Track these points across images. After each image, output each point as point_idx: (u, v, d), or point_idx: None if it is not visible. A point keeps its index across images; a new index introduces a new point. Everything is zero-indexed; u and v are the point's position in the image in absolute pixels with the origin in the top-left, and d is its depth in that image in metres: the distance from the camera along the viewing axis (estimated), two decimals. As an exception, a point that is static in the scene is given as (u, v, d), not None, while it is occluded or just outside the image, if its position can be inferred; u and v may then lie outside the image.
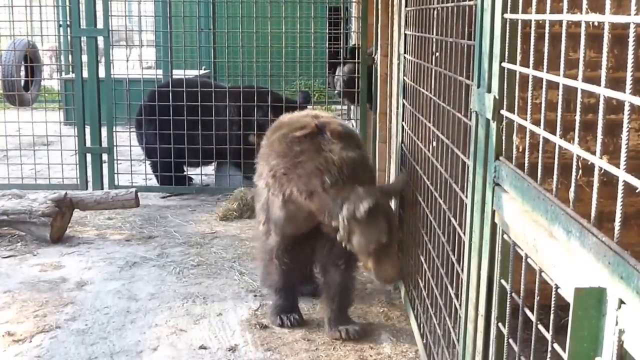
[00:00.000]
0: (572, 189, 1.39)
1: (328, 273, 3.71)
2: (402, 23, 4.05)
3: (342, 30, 7.94)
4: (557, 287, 1.42)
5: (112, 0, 6.81)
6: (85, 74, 6.48)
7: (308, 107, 6.53)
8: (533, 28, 1.63)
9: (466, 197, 2.34)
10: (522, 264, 1.64)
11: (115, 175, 6.44)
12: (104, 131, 6.45)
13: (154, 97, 6.50)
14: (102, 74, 6.53)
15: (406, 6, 3.92)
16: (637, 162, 1.37)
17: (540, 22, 1.59)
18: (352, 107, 8.63)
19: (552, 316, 1.44)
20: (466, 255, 2.31)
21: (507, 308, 1.80)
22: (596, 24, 1.28)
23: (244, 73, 6.67)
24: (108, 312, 3.92)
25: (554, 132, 1.49)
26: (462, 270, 2.42)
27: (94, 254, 4.91)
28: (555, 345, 1.43)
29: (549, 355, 1.46)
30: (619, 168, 1.16)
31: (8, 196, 5.25)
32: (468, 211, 2.29)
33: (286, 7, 6.52)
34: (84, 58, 6.60)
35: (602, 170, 1.23)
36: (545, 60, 1.52)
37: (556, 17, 1.46)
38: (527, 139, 1.66)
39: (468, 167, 2.31)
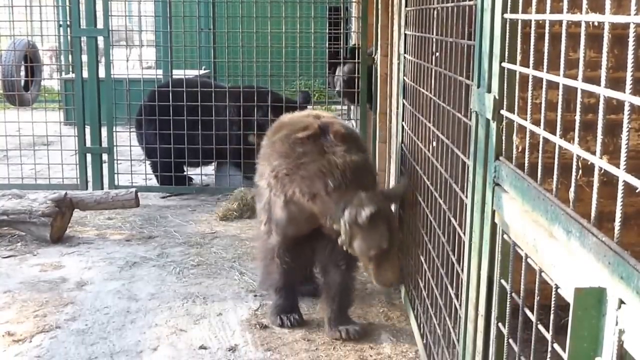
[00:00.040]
0: (572, 189, 1.39)
1: (328, 273, 3.71)
2: (402, 23, 4.05)
3: (342, 30, 7.94)
4: (557, 287, 1.42)
5: (112, 0, 6.81)
6: (85, 74, 6.48)
7: (308, 107, 6.53)
8: (533, 28, 1.62)
9: (466, 197, 2.34)
10: (522, 264, 1.64)
11: (115, 175, 6.44)
12: (104, 131, 6.44)
13: (154, 97, 6.50)
14: (102, 74, 6.52)
15: (406, 6, 3.92)
16: (637, 162, 1.37)
17: (540, 22, 1.59)
18: (352, 107, 8.63)
19: (552, 316, 1.44)
20: (466, 255, 2.31)
21: (507, 308, 1.80)
22: (596, 24, 1.28)
23: (244, 73, 6.67)
24: (108, 312, 3.92)
25: (554, 132, 1.49)
26: (462, 270, 2.42)
27: (94, 254, 4.91)
28: (555, 345, 1.43)
29: (549, 356, 1.46)
30: (619, 168, 1.16)
31: (8, 196, 5.25)
32: (468, 211, 2.29)
33: (286, 7, 6.52)
34: (84, 58, 6.60)
35: (602, 170, 1.23)
36: (545, 60, 1.52)
37: (556, 17, 1.46)
38: (527, 139, 1.66)
39: (468, 167, 2.31)
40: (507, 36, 1.84)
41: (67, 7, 7.74)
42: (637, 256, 1.13)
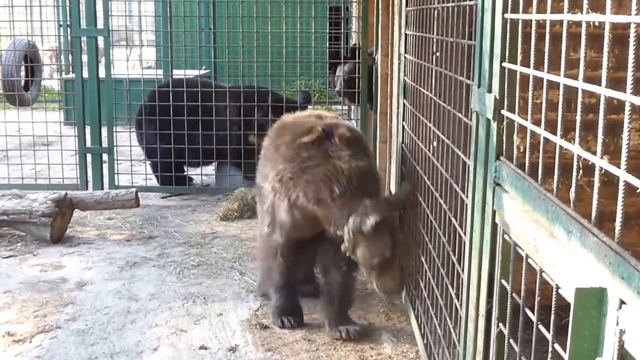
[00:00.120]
0: (572, 189, 1.39)
1: (329, 273, 3.71)
2: (403, 23, 4.05)
3: (342, 30, 7.93)
4: (557, 287, 1.42)
5: (112, 0, 6.81)
6: (85, 74, 6.48)
7: (308, 107, 6.53)
8: (534, 28, 1.62)
9: (467, 197, 2.34)
10: (522, 264, 1.64)
11: (116, 176, 6.44)
12: (104, 131, 6.44)
13: (154, 97, 6.50)
14: (102, 74, 6.52)
15: (407, 6, 3.92)
16: (637, 162, 1.37)
17: (541, 22, 1.58)
18: (352, 107, 8.63)
19: (552, 316, 1.44)
20: (467, 256, 2.31)
21: (508, 308, 1.80)
22: (597, 23, 1.28)
23: (244, 73, 6.67)
24: (108, 312, 3.92)
25: (554, 132, 1.49)
26: (463, 270, 2.42)
27: (94, 254, 4.91)
28: (556, 346, 1.43)
29: (549, 356, 1.45)
30: (619, 168, 1.16)
31: (8, 196, 5.25)
32: (469, 211, 2.28)
33: (286, 7, 6.52)
34: (84, 58, 6.60)
35: (603, 170, 1.23)
36: (546, 60, 1.52)
37: (557, 17, 1.46)
38: (528, 139, 1.66)
39: (469, 167, 2.31)
40: (508, 36, 1.84)
41: (67, 7, 7.74)
42: (637, 256, 1.13)
